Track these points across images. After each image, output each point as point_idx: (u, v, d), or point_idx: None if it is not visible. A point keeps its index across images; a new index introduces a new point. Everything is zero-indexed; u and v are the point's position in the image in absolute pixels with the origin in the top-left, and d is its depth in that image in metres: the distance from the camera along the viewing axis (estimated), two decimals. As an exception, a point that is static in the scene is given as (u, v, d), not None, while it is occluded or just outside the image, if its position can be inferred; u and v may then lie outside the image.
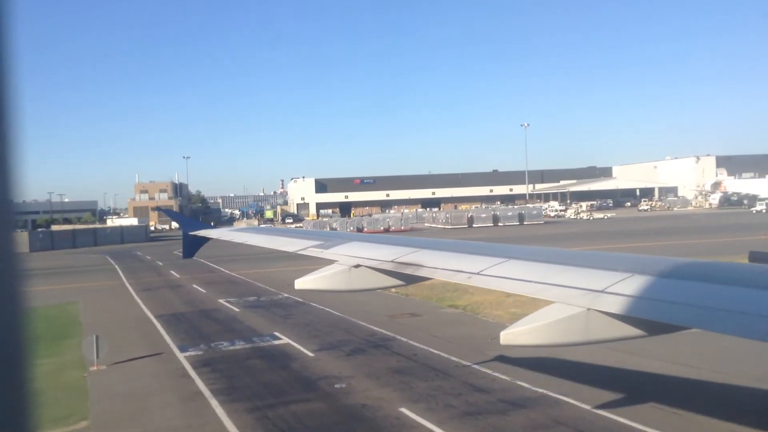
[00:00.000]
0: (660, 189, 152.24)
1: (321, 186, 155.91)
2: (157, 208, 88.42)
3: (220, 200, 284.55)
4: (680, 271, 6.33)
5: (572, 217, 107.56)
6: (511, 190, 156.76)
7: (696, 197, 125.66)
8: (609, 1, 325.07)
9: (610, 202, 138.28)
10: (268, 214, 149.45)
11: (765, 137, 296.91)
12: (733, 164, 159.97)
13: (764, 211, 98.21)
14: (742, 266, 7.57)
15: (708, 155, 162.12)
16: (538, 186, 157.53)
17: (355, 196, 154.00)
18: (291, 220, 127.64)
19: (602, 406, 13.03)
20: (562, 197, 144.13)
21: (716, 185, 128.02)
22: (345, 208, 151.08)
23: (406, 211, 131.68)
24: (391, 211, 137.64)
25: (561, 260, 7.58)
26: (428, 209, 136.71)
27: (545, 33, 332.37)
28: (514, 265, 7.70)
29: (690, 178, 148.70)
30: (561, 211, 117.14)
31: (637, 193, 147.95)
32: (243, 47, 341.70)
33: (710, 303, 5.32)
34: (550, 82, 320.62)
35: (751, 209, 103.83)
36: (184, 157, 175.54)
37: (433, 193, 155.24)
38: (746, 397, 13.80)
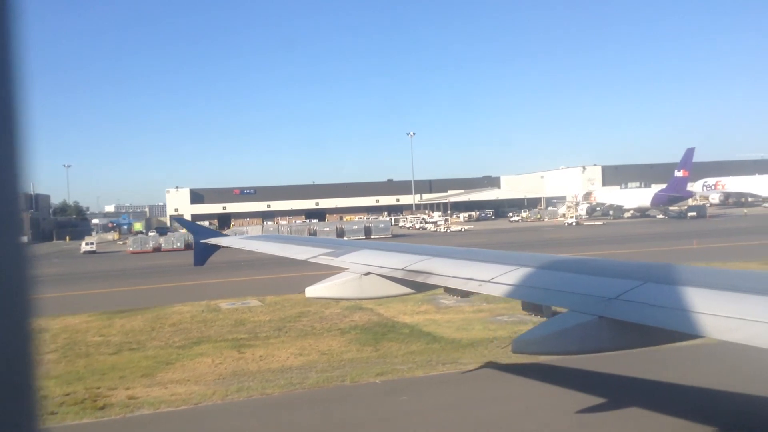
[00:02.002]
0: (547, 199, 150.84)
1: (197, 196, 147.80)
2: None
3: (147, 209, 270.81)
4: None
5: (432, 230, 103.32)
6: (398, 200, 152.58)
7: (568, 208, 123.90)
8: (504, 12, 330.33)
9: (489, 212, 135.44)
10: (137, 226, 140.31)
11: (655, 148, 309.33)
12: (619, 174, 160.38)
13: (520, 220, 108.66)
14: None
15: (595, 165, 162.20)
16: (426, 196, 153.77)
17: (234, 207, 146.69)
18: (154, 233, 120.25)
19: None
20: (444, 208, 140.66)
21: (587, 196, 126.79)
22: (223, 220, 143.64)
23: (273, 222, 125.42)
24: (268, 223, 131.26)
25: (573, 269, 7.52)
26: (309, 220, 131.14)
27: (449, 44, 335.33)
28: (525, 272, 7.62)
29: (577, 187, 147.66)
30: (428, 222, 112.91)
31: (525, 203, 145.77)
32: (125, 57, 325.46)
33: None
34: (443, 93, 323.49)
35: (509, 218, 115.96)
36: (64, 165, 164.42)
37: (317, 204, 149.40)
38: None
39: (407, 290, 9.47)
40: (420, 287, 9.37)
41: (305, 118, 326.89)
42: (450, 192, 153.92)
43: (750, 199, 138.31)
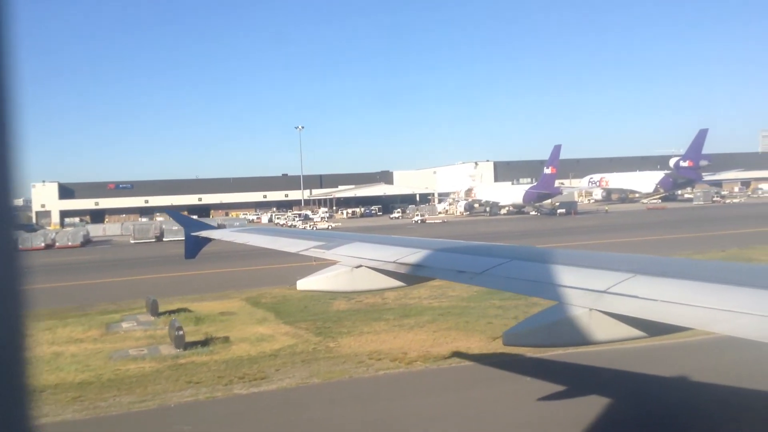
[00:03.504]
0: (439, 195, 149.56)
1: (67, 191, 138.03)
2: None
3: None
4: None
5: (302, 227, 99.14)
6: (286, 195, 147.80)
7: (450, 204, 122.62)
8: (403, 7, 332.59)
9: (374, 209, 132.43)
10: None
11: (550, 144, 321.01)
12: (512, 170, 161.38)
13: (400, 217, 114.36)
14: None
15: (487, 160, 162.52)
16: (315, 191, 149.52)
17: (108, 203, 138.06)
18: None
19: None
20: (331, 203, 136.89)
21: (468, 192, 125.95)
22: (97, 216, 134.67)
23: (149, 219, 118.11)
24: (144, 219, 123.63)
25: (566, 261, 7.45)
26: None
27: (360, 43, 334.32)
28: (517, 265, 7.67)
29: (468, 183, 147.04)
30: (299, 220, 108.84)
31: (417, 198, 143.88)
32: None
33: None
34: (344, 87, 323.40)
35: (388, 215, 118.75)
36: None
37: (200, 199, 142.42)
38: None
39: (398, 283, 9.43)
40: (411, 280, 9.39)
41: (196, 112, 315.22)
42: (340, 187, 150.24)
43: (636, 195, 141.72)
